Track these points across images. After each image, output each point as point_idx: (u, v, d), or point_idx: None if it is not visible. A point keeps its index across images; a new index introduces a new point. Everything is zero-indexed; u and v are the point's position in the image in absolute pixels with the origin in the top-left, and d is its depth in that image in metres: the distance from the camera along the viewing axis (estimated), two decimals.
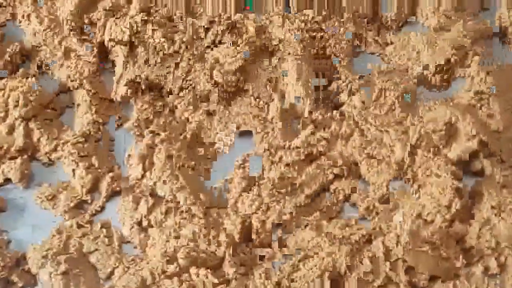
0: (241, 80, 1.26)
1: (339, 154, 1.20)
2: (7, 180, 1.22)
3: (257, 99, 1.26)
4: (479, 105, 1.20)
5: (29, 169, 1.23)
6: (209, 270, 1.11)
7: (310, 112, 1.24)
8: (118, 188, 1.19)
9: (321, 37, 1.29)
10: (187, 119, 1.26)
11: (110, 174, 1.20)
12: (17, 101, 1.25)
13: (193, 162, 1.23)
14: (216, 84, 1.25)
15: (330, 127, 1.21)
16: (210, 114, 1.28)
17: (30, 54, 1.35)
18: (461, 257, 1.08)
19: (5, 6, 1.39)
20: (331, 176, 1.18)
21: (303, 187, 1.18)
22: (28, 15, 1.36)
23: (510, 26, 1.30)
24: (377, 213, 1.15)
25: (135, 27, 1.28)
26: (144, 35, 1.28)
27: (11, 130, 1.24)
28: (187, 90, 1.27)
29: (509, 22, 1.31)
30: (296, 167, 1.20)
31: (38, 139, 1.23)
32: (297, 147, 1.20)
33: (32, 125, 1.24)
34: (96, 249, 1.16)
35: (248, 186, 1.16)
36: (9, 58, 1.31)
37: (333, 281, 1.07)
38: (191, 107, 1.26)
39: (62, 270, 1.12)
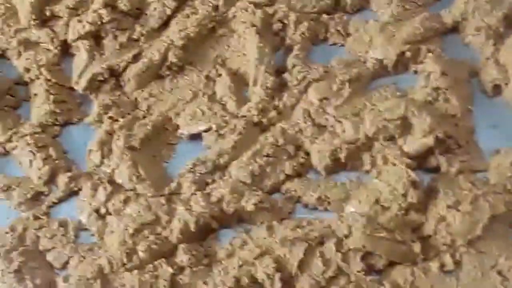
0: (188, 55, 1.26)
1: (282, 129, 1.20)
2: None
3: (204, 76, 1.26)
4: (435, 100, 1.21)
5: None
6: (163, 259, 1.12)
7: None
8: (76, 188, 1.18)
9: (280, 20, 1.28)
10: (136, 99, 1.26)
11: (68, 174, 1.19)
12: None
13: (153, 149, 1.23)
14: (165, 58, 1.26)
15: (282, 98, 1.22)
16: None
17: None
18: (419, 243, 1.09)
19: None
20: (282, 177, 1.18)
21: (256, 157, 1.16)
22: None
23: (463, 21, 1.27)
24: (328, 203, 1.15)
25: (99, 21, 1.28)
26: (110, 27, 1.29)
27: None
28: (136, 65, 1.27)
29: (461, 16, 1.28)
30: (249, 133, 1.20)
31: None
32: (248, 112, 1.21)
33: None
34: (52, 238, 1.15)
35: (199, 189, 1.16)
36: None
37: (285, 282, 1.09)
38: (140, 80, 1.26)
39: (15, 267, 1.13)
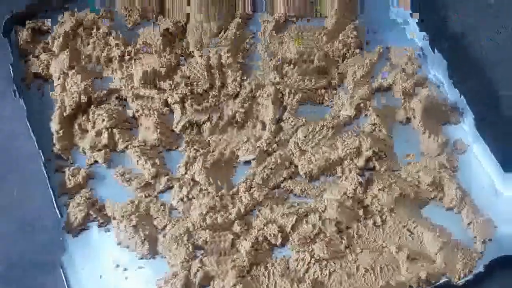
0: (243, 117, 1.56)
1: (280, 154, 1.50)
2: (96, 162, 1.50)
3: (252, 127, 1.56)
4: (373, 131, 1.54)
5: (110, 156, 1.51)
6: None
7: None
8: (171, 185, 1.46)
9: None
10: (213, 139, 1.54)
11: (167, 176, 1.47)
12: (104, 119, 1.50)
13: (222, 170, 1.51)
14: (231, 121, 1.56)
15: (280, 136, 1.53)
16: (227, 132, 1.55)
17: (113, 93, 1.58)
18: (362, 210, 1.42)
19: (98, 64, 1.62)
20: (281, 179, 1.48)
21: (265, 171, 1.47)
22: (115, 70, 1.60)
23: (393, 85, 1.60)
24: (308, 194, 1.46)
25: (183, 96, 1.55)
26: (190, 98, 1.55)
27: (99, 134, 1.51)
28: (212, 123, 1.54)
29: (392, 82, 1.61)
30: (262, 157, 1.50)
31: (117, 139, 1.51)
32: (261, 144, 1.51)
33: (114, 130, 1.51)
34: (157, 211, 1.43)
35: (247, 191, 1.45)
36: (98, 95, 1.55)
37: (283, 237, 1.40)
38: (216, 131, 1.55)
39: (133, 223, 1.40)
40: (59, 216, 1.42)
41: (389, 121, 1.58)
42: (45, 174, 1.46)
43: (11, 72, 1.57)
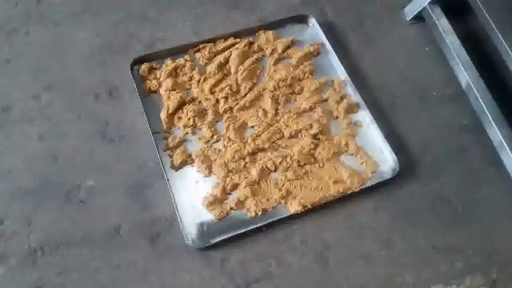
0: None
1: (275, 126, 2.08)
2: (187, 133, 2.09)
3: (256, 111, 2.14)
4: (322, 120, 2.13)
5: (194, 130, 2.12)
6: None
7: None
8: (219, 139, 2.08)
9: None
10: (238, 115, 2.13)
11: (217, 135, 2.08)
12: (190, 111, 2.10)
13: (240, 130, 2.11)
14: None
15: (278, 117, 2.12)
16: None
17: (194, 98, 2.19)
18: (313, 159, 2.04)
19: (186, 84, 2.25)
20: (276, 138, 2.10)
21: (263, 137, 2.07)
22: (195, 86, 2.23)
23: (328, 97, 2.19)
24: (288, 146, 2.08)
25: (226, 94, 2.18)
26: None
27: (189, 119, 2.12)
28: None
29: (328, 96, 2.19)
30: (266, 127, 2.12)
31: (196, 122, 2.14)
32: (268, 120, 2.12)
33: (195, 117, 2.13)
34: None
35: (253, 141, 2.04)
36: (187, 100, 2.15)
37: (275, 167, 2.04)
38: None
39: (201, 159, 2.03)
40: (160, 161, 2.01)
41: (328, 116, 2.23)
42: (152, 139, 2.05)
43: (136, 88, 2.21)
